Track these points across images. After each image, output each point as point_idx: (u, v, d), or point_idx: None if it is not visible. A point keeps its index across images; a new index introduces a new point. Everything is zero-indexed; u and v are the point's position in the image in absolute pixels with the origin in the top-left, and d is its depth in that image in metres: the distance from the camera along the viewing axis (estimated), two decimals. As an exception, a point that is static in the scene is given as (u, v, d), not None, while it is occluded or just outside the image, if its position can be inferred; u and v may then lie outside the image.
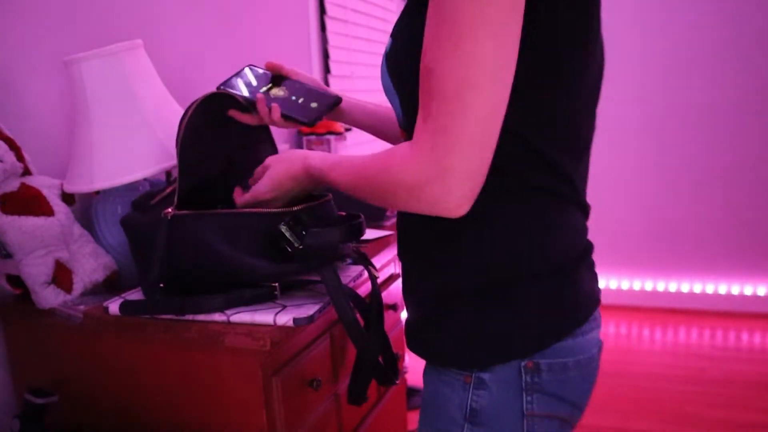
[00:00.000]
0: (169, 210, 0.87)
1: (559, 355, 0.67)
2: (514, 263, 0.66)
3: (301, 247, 0.82)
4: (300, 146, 2.09)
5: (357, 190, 0.68)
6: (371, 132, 1.01)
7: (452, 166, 0.55)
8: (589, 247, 0.73)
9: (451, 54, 0.54)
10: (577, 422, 0.73)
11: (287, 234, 0.83)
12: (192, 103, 0.90)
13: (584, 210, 0.72)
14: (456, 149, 0.55)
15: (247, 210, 0.86)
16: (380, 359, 0.93)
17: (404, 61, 0.64)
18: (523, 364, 0.66)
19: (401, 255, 0.77)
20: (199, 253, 0.86)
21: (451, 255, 0.68)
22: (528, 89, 0.60)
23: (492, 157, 0.58)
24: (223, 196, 0.93)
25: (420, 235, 0.71)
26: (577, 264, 0.69)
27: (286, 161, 0.83)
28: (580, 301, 0.69)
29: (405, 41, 0.65)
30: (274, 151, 1.01)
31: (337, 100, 0.94)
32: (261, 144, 1.00)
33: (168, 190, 0.93)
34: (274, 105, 0.90)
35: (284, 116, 0.90)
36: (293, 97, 0.92)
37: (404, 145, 0.60)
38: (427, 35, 0.57)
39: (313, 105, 0.91)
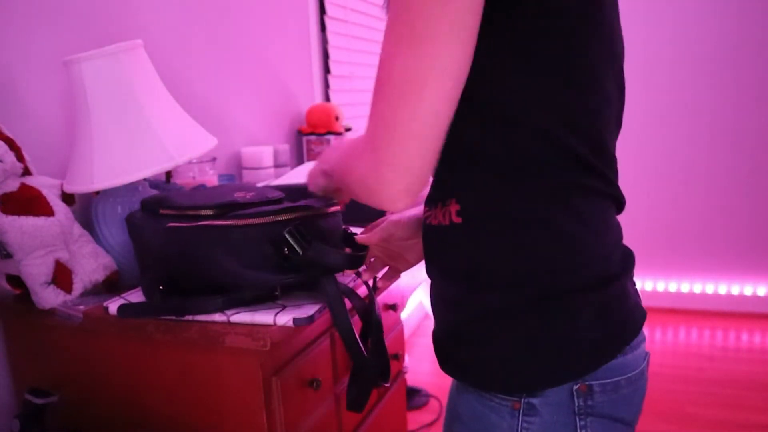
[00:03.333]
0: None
1: (611, 375, 0.63)
2: (561, 270, 0.61)
3: (301, 253, 0.82)
4: (300, 145, 2.09)
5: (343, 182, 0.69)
6: None
7: (386, 159, 0.56)
8: (629, 253, 0.69)
9: (397, 52, 0.55)
10: None
11: (291, 240, 0.82)
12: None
13: (619, 205, 0.68)
14: (392, 144, 0.55)
15: (247, 222, 0.85)
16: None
17: None
18: (575, 387, 0.62)
19: (431, 265, 0.72)
20: (196, 264, 0.86)
21: (491, 265, 0.63)
22: (550, 89, 0.60)
23: (435, 158, 0.57)
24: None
25: (454, 244, 0.66)
26: (623, 271, 0.66)
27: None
28: (629, 313, 0.65)
29: None
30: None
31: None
32: None
33: (185, 212, 0.91)
34: None
35: None
36: None
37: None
38: (384, 33, 0.58)
39: None
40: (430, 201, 0.71)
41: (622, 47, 0.68)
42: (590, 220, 0.63)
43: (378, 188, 0.57)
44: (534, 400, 0.62)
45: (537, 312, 0.62)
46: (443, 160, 0.67)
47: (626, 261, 0.67)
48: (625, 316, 0.65)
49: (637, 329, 0.65)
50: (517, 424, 0.63)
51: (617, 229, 0.67)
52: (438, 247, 0.69)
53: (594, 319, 0.62)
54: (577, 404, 0.62)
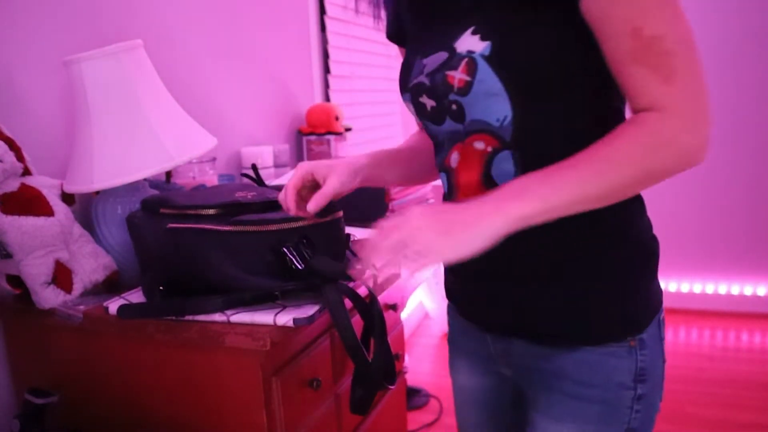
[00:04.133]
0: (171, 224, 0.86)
1: (662, 306, 0.80)
2: (640, 227, 0.76)
3: (303, 267, 0.82)
4: (299, 145, 2.09)
5: (603, 196, 0.65)
6: (401, 181, 0.93)
7: (709, 110, 0.67)
8: None
9: (677, 21, 0.66)
10: None
11: (294, 252, 0.83)
12: None
13: None
14: (706, 94, 0.67)
15: (250, 228, 0.85)
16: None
17: (523, 59, 0.68)
18: (660, 317, 0.78)
19: (520, 250, 0.73)
20: (196, 265, 0.86)
21: (602, 228, 0.73)
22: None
23: None
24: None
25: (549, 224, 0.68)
26: None
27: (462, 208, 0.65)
28: None
29: (522, 40, 0.68)
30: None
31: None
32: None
33: (186, 211, 0.91)
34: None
35: None
36: None
37: (649, 117, 0.66)
38: (630, 9, 0.65)
39: None
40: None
41: None
42: None
43: (705, 140, 0.66)
44: (643, 335, 0.76)
45: (634, 265, 0.75)
46: (537, 145, 0.71)
47: None
48: None
49: None
50: (636, 359, 0.75)
51: None
52: (528, 230, 0.67)
53: (657, 261, 0.78)
54: (661, 331, 0.78)
